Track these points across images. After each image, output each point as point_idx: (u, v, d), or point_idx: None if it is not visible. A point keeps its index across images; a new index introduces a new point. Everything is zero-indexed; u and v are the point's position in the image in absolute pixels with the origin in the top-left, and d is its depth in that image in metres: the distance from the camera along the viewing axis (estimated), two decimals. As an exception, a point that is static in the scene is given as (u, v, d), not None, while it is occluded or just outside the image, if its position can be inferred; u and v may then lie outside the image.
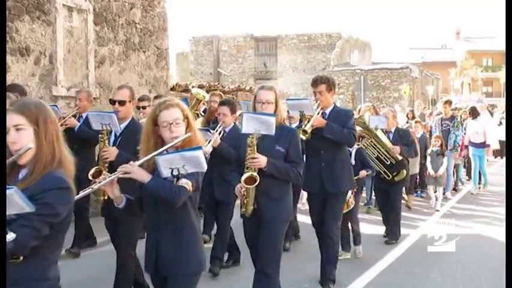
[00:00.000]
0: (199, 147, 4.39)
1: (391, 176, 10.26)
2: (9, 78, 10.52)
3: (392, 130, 10.62)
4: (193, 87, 17.12)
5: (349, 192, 8.57)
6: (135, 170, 4.35)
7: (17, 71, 10.74)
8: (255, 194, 5.99)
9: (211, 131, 8.09)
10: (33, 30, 11.15)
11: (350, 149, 9.01)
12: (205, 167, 4.42)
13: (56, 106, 9.44)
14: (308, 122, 7.25)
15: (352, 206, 9.02)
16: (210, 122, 10.02)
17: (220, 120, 8.31)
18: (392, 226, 10.36)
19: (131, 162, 4.39)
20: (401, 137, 10.61)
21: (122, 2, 13.80)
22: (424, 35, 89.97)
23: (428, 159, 14.03)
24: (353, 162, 9.14)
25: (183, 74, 43.51)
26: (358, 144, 9.80)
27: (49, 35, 11.54)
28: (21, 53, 10.87)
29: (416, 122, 15.73)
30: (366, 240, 9.72)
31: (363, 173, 9.42)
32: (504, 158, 20.50)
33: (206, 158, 6.43)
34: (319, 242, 7.90)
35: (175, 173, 4.32)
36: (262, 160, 5.87)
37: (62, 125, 8.34)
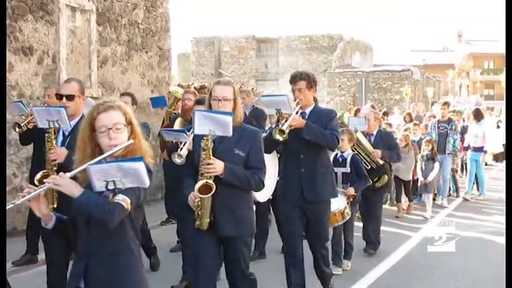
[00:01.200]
0: (140, 159, 3.65)
1: (371, 182, 9.18)
2: (13, 78, 10.57)
3: (374, 133, 9.77)
4: (195, 88, 17.20)
5: (345, 202, 8.03)
6: (64, 183, 3.63)
7: (20, 71, 10.78)
8: (211, 205, 5.22)
9: (188, 132, 7.05)
10: (36, 30, 11.19)
11: (345, 155, 8.58)
12: (148, 183, 3.66)
13: (21, 102, 8.77)
14: (286, 121, 6.43)
15: (348, 217, 8.13)
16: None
17: None
18: (371, 235, 9.58)
19: (61, 173, 3.71)
20: (384, 140, 9.78)
21: (124, 2, 13.85)
22: (426, 37, 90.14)
23: (419, 164, 13.25)
24: (348, 169, 8.53)
25: (184, 75, 43.60)
26: (354, 150, 9.03)
27: (52, 34, 11.58)
28: (24, 52, 10.91)
29: (415, 124, 15.30)
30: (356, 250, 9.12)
31: (350, 192, 8.32)
32: (504, 161, 20.30)
33: (182, 162, 6.30)
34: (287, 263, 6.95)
35: (110, 186, 3.61)
36: (218, 166, 5.13)
37: (29, 123, 7.76)
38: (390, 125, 15.39)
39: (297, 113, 6.57)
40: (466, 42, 79.58)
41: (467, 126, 17.71)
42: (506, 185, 9.03)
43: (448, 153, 14.41)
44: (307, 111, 6.76)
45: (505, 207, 8.66)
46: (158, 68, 15.18)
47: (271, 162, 7.43)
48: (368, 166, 9.31)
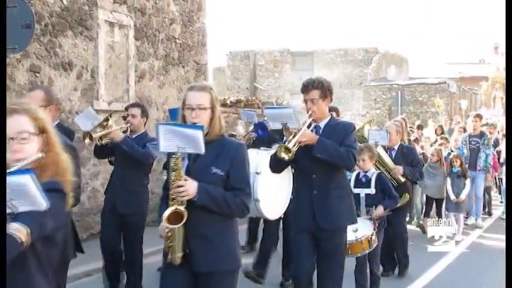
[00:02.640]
0: (27, 171, 2.79)
1: None
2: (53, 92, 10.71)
3: (396, 147, 9.04)
4: (231, 102, 17.27)
5: (371, 227, 7.21)
6: None
7: (59, 85, 10.93)
8: (184, 236, 4.28)
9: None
10: (75, 46, 11.34)
11: (369, 175, 7.74)
12: (44, 205, 2.77)
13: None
14: (294, 137, 5.66)
15: (374, 245, 7.24)
16: None
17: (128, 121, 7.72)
18: (400, 255, 8.97)
19: None
20: (406, 155, 9.03)
21: (162, 17, 13.98)
22: (462, 50, 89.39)
23: (448, 181, 12.08)
24: (373, 191, 7.64)
25: (220, 89, 43.78)
26: (379, 169, 8.33)
27: (91, 50, 11.73)
28: (64, 67, 11.07)
29: (442, 138, 14.38)
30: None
31: (378, 211, 7.50)
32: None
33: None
34: None
35: (9, 210, 2.79)
36: (190, 188, 4.19)
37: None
38: (417, 140, 14.69)
39: (308, 127, 5.82)
40: (502, 55, 78.69)
41: (498, 139, 16.66)
42: (506, 185, 8.60)
43: (479, 170, 13.40)
44: (322, 124, 5.95)
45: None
46: (195, 82, 15.25)
47: (285, 177, 6.82)
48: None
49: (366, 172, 7.77)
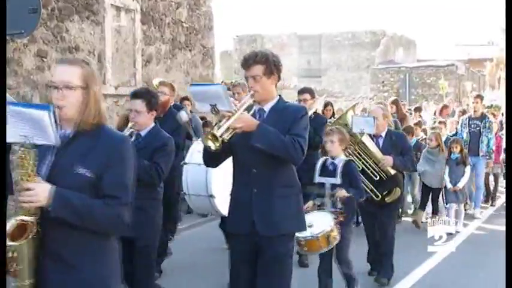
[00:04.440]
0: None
1: (380, 196, 7.56)
2: (60, 77, 10.75)
3: (383, 134, 7.78)
4: (235, 85, 17.22)
5: (331, 221, 6.18)
6: None
7: (67, 70, 10.96)
8: (35, 256, 3.20)
9: None
10: (82, 30, 11.36)
11: (336, 162, 6.67)
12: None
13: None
14: (226, 121, 4.48)
15: (335, 243, 6.23)
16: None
17: (132, 120, 5.97)
18: (384, 261, 7.73)
19: None
20: (395, 143, 7.77)
21: (168, 1, 13.98)
22: (470, 31, 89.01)
23: (447, 169, 11.00)
24: (338, 180, 6.61)
25: (227, 73, 43.75)
26: (347, 156, 7.13)
27: (98, 34, 11.75)
28: (70, 52, 11.09)
29: (440, 122, 13.08)
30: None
31: (341, 192, 6.44)
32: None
33: None
34: None
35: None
36: (40, 192, 3.09)
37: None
38: (419, 123, 13.33)
39: (248, 110, 4.71)
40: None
41: (502, 121, 15.27)
42: (506, 185, 8.05)
43: (482, 155, 12.20)
44: (267, 108, 4.85)
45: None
46: (202, 66, 15.28)
47: None
48: (376, 177, 7.54)
49: (334, 159, 6.74)
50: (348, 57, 42.90)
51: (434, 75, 38.94)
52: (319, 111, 10.38)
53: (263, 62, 4.73)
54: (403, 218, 11.55)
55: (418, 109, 17.19)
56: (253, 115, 4.76)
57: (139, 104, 5.86)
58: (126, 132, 5.77)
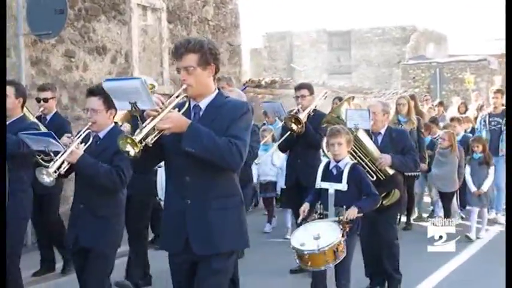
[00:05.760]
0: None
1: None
2: (88, 77, 10.89)
3: (382, 131, 7.19)
4: (266, 82, 17.27)
5: (339, 233, 5.63)
6: None
7: (94, 70, 11.09)
8: None
9: (68, 136, 5.43)
10: (109, 30, 11.49)
11: (341, 166, 6.10)
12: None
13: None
14: (149, 122, 3.85)
15: (342, 257, 5.64)
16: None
17: (88, 119, 5.45)
18: (388, 268, 7.06)
19: None
20: (395, 141, 7.16)
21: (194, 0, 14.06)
22: (503, 25, 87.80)
23: (468, 170, 10.24)
24: (345, 186, 5.98)
25: (256, 70, 43.83)
26: (360, 160, 6.71)
27: (124, 34, 11.87)
28: (98, 52, 11.23)
29: (452, 119, 12.23)
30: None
31: (351, 214, 5.79)
32: None
33: (51, 183, 5.11)
34: None
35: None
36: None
37: None
38: (435, 120, 12.39)
39: (179, 107, 4.12)
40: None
41: None
42: (507, 185, 7.56)
43: (502, 155, 11.18)
44: (203, 104, 4.21)
45: None
46: (229, 64, 15.33)
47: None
48: (373, 177, 6.80)
49: (338, 162, 6.15)
50: (378, 53, 42.63)
51: (466, 71, 38.55)
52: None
53: (197, 51, 4.10)
54: (417, 222, 10.94)
55: (441, 104, 16.47)
56: (187, 113, 4.15)
57: (96, 102, 5.28)
58: (82, 134, 5.33)
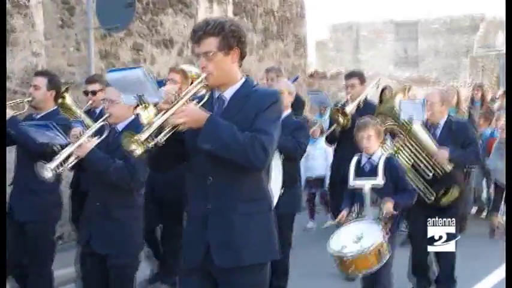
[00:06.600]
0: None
1: (434, 196, 6.41)
2: (155, 70, 11.07)
3: (441, 123, 6.58)
4: (331, 74, 17.21)
5: (381, 232, 5.25)
6: None
7: (161, 63, 11.26)
8: None
9: (77, 126, 5.13)
10: (176, 23, 11.64)
11: (375, 160, 5.64)
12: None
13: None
14: (162, 116, 3.40)
15: (386, 259, 5.24)
16: None
17: (105, 111, 5.09)
18: (443, 271, 6.57)
19: None
20: (455, 133, 6.52)
21: (260, -9, 14.14)
22: None
23: None
24: (381, 181, 5.53)
25: (322, 62, 43.71)
26: (415, 155, 6.39)
27: (191, 26, 11.88)
28: (165, 45, 11.39)
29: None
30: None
31: (388, 205, 5.37)
32: None
33: (50, 179, 4.70)
34: None
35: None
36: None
37: None
38: (490, 112, 11.49)
39: (200, 99, 3.62)
40: None
41: None
42: (507, 185, 7.22)
43: None
44: (228, 94, 3.69)
45: None
46: (294, 56, 15.35)
47: (273, 167, 5.22)
48: (429, 174, 6.40)
49: (371, 157, 5.70)
50: (445, 43, 41.93)
51: (538, 60, 37.59)
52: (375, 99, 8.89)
53: (217, 33, 3.58)
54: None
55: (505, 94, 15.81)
56: (209, 105, 3.65)
57: (113, 92, 4.72)
58: (97, 126, 4.97)
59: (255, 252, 3.61)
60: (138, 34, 10.77)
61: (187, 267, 3.76)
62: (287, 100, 6.59)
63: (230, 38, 3.59)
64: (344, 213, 5.66)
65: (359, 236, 5.11)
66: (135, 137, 3.32)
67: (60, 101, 6.65)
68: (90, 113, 7.31)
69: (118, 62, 10.36)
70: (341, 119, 7.58)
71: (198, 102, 3.55)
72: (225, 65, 3.60)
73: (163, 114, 3.35)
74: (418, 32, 43.35)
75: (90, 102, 7.37)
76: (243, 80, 3.71)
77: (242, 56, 3.71)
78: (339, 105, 7.75)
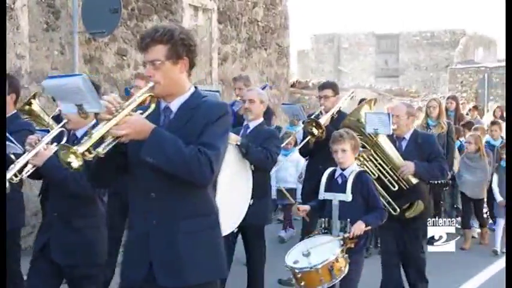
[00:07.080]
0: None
1: (398, 210, 6.32)
2: (139, 75, 11.09)
3: (407, 136, 6.55)
4: (313, 84, 17.30)
5: (338, 249, 5.12)
6: None
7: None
8: None
9: (39, 134, 4.79)
10: (161, 29, 11.67)
11: (346, 173, 5.53)
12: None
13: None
14: (99, 129, 3.26)
15: (341, 276, 5.12)
16: None
17: (64, 116, 4.76)
18: (412, 278, 6.55)
19: None
20: (421, 146, 6.51)
21: (245, 1, 14.19)
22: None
23: (495, 179, 9.50)
24: (349, 197, 5.42)
25: (303, 72, 43.85)
26: (381, 168, 6.34)
27: (176, 33, 12.04)
28: (149, 51, 11.40)
29: (493, 123, 11.37)
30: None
31: (357, 229, 5.23)
32: None
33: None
34: None
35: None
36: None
37: None
38: (469, 123, 11.68)
39: (141, 111, 3.44)
40: None
41: None
42: (507, 185, 7.22)
43: None
44: (174, 105, 3.54)
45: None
46: (277, 65, 15.43)
47: (242, 178, 5.53)
48: (394, 187, 6.35)
49: (344, 170, 5.57)
50: (426, 57, 42.33)
51: (516, 76, 37.97)
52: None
53: (165, 41, 3.41)
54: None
55: (475, 108, 15.73)
56: (155, 117, 3.48)
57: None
58: (54, 133, 4.72)
59: (201, 271, 3.44)
60: (122, 39, 10.77)
61: (126, 285, 3.59)
62: (259, 109, 6.60)
63: (179, 47, 3.43)
64: (304, 207, 5.64)
65: (307, 252, 5.05)
66: (73, 149, 3.10)
67: (27, 108, 6.56)
68: (60, 118, 6.93)
69: (102, 67, 10.36)
70: (315, 131, 7.35)
71: (143, 113, 3.38)
72: (173, 74, 3.45)
73: (104, 125, 3.18)
74: (399, 45, 43.69)
75: (59, 108, 6.99)
76: (192, 90, 3.55)
77: (191, 66, 3.54)
78: (313, 116, 7.62)
